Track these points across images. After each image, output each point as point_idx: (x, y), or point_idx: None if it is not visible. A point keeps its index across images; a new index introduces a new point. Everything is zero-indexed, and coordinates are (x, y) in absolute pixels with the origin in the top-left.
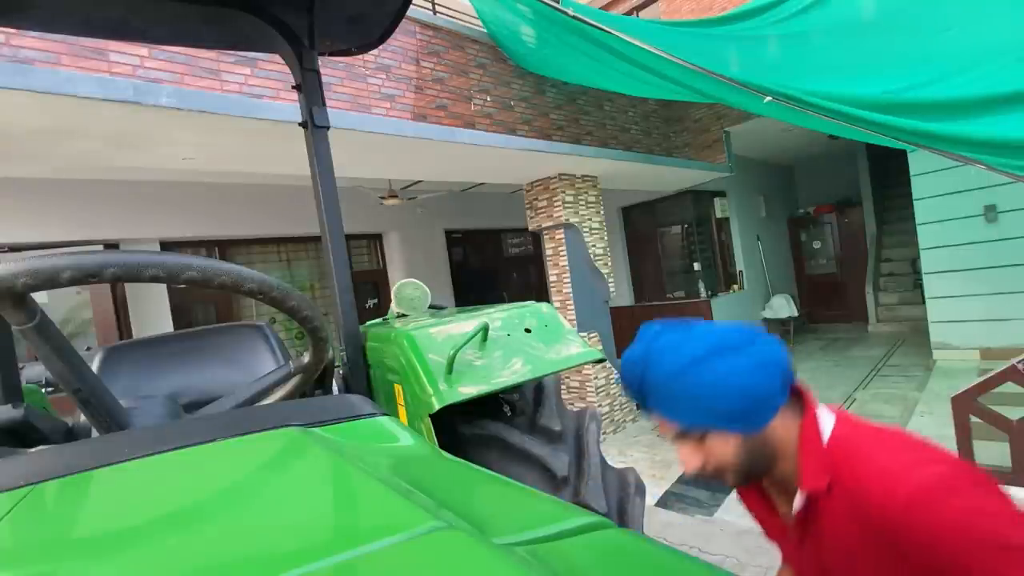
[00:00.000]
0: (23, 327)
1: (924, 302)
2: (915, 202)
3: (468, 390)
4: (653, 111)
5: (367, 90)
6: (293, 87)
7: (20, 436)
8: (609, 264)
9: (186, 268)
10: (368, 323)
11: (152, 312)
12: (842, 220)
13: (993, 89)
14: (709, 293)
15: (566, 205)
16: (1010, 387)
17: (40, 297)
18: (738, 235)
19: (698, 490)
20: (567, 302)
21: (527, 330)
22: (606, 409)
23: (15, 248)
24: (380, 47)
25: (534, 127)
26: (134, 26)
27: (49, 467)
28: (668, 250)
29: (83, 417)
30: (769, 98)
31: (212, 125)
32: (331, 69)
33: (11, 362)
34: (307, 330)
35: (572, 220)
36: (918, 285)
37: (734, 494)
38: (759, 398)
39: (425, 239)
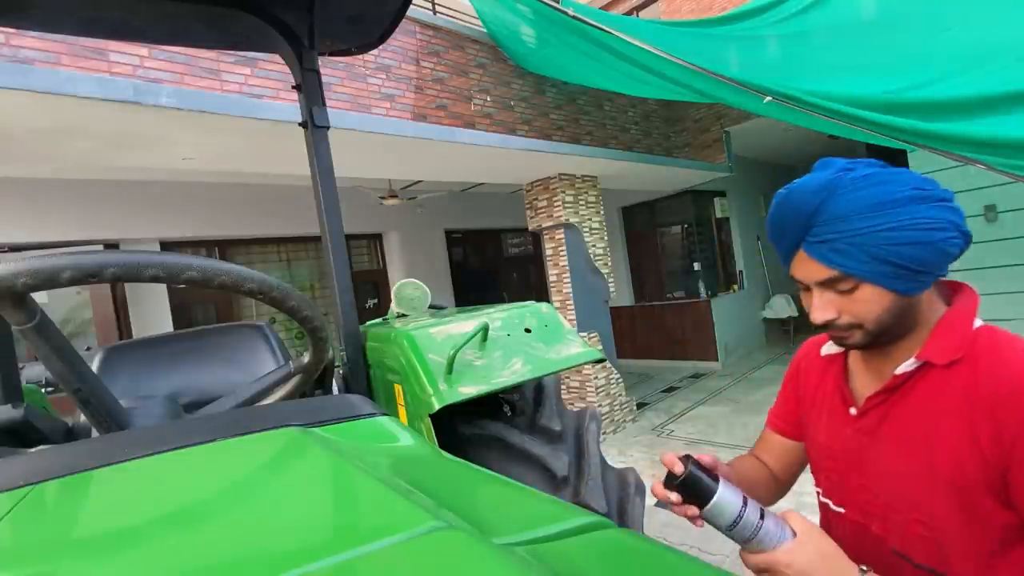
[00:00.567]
0: (23, 327)
1: None
2: None
3: (468, 390)
4: (653, 111)
5: (367, 90)
6: (293, 87)
7: (20, 436)
8: (609, 264)
9: (186, 268)
10: (368, 323)
11: (152, 312)
12: None
13: (993, 89)
14: (709, 293)
15: (566, 205)
16: None
17: (40, 297)
18: (738, 235)
19: None
20: (567, 302)
21: (527, 330)
22: (606, 409)
23: (15, 248)
24: (380, 47)
25: (534, 127)
26: (134, 26)
27: (49, 467)
28: (668, 250)
29: (83, 417)
30: (769, 98)
31: (212, 125)
32: (331, 69)
33: (11, 362)
34: (307, 330)
35: (572, 220)
36: None
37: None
38: (943, 258)
39: (425, 239)
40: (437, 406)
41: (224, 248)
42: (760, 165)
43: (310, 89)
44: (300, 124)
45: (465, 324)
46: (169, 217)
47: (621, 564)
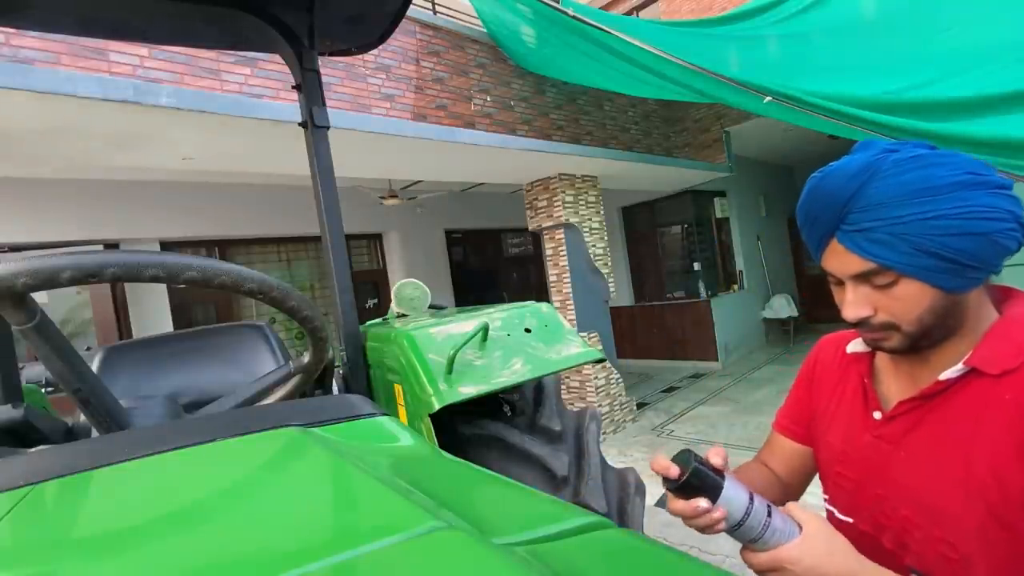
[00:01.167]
0: (23, 327)
1: None
2: None
3: (468, 390)
4: (653, 111)
5: (367, 90)
6: (293, 87)
7: (20, 436)
8: (609, 264)
9: (186, 268)
10: (368, 323)
11: (152, 312)
12: None
13: (993, 89)
14: (709, 293)
15: (566, 205)
16: None
17: (40, 297)
18: (738, 235)
19: None
20: (567, 302)
21: (527, 330)
22: (606, 409)
23: (15, 248)
24: (380, 47)
25: (534, 127)
26: (134, 26)
27: (49, 467)
28: (668, 250)
29: (83, 417)
30: (769, 98)
31: (212, 125)
32: (331, 69)
33: (11, 362)
34: (307, 330)
35: (572, 220)
36: None
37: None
38: (998, 251)
39: (425, 239)
40: (437, 406)
41: (224, 248)
42: (760, 165)
43: (310, 89)
44: (300, 124)
45: (465, 324)
46: (169, 217)
47: (621, 564)
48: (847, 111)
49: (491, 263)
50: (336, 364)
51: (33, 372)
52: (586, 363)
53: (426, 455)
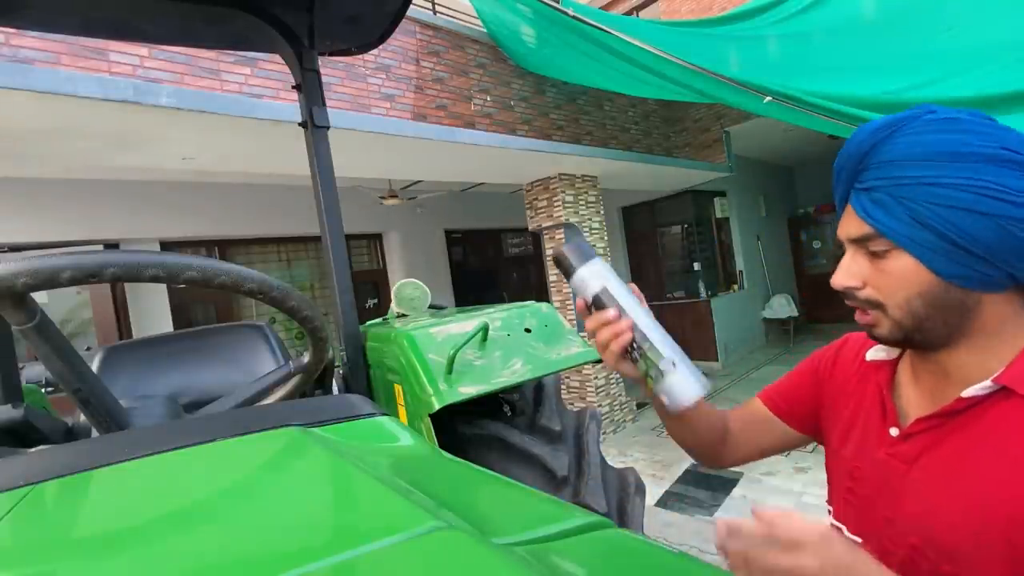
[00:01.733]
0: (23, 327)
1: None
2: None
3: (468, 390)
4: (653, 111)
5: (367, 90)
6: (293, 87)
7: (20, 436)
8: (609, 264)
9: (186, 268)
10: (368, 323)
11: (152, 312)
12: None
13: (993, 89)
14: (709, 293)
15: (566, 205)
16: None
17: (40, 297)
18: (738, 235)
19: (698, 490)
20: (567, 302)
21: (527, 330)
22: (606, 409)
23: (15, 248)
24: (380, 47)
25: (534, 127)
26: (134, 26)
27: (49, 467)
28: (668, 250)
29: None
30: (769, 98)
31: (212, 125)
32: (331, 69)
33: (11, 362)
34: (307, 330)
35: (572, 220)
36: None
37: (746, 484)
38: (1013, 247)
39: (425, 239)
40: (437, 406)
41: (224, 248)
42: (760, 165)
43: (310, 89)
44: (300, 124)
45: (465, 324)
46: (169, 217)
47: (621, 564)
48: (847, 111)
49: (491, 263)
50: (336, 364)
51: (33, 372)
52: (586, 363)
53: (426, 455)
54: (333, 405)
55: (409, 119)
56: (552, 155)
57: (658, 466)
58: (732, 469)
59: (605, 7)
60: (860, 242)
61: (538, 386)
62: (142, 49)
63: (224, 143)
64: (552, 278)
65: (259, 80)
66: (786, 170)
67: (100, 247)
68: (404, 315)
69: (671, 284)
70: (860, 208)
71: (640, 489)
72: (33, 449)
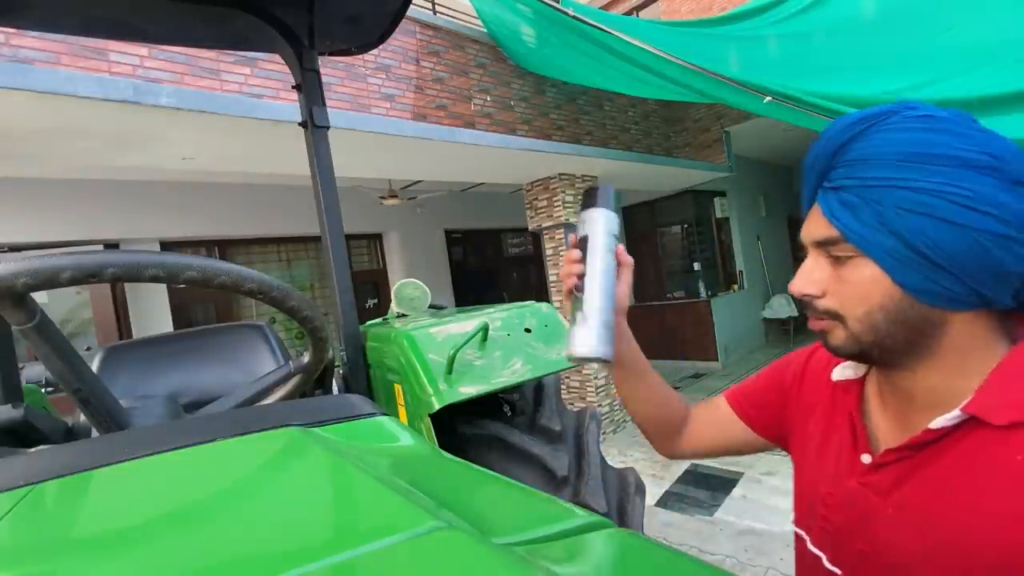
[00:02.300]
0: (23, 327)
1: None
2: None
3: (468, 390)
4: (653, 111)
5: (367, 90)
6: (293, 87)
7: (20, 436)
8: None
9: (186, 268)
10: (368, 323)
11: (152, 312)
12: None
13: (993, 89)
14: (709, 293)
15: (566, 205)
16: None
17: (40, 297)
18: (738, 235)
19: (698, 490)
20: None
21: (527, 330)
22: (606, 409)
23: (15, 248)
24: (380, 47)
25: (534, 127)
26: (134, 26)
27: (49, 467)
28: (668, 250)
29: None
30: (769, 98)
31: (212, 125)
32: (331, 69)
33: (11, 362)
34: (307, 330)
35: (572, 220)
36: None
37: (745, 484)
38: (987, 263)
39: (425, 239)
40: (437, 406)
41: (224, 248)
42: (760, 165)
43: (310, 89)
44: (300, 124)
45: (465, 324)
46: (169, 217)
47: (621, 564)
48: (847, 111)
49: (491, 263)
50: (336, 364)
51: (33, 372)
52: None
53: (426, 455)
54: (333, 405)
55: (409, 119)
56: (552, 155)
57: (658, 466)
58: (732, 469)
59: (605, 7)
60: (823, 245)
61: (538, 386)
62: (142, 49)
63: (224, 143)
64: (552, 278)
65: (259, 80)
66: (786, 170)
67: (100, 247)
68: (404, 315)
69: (671, 284)
70: (827, 209)
71: (640, 489)
72: (33, 449)
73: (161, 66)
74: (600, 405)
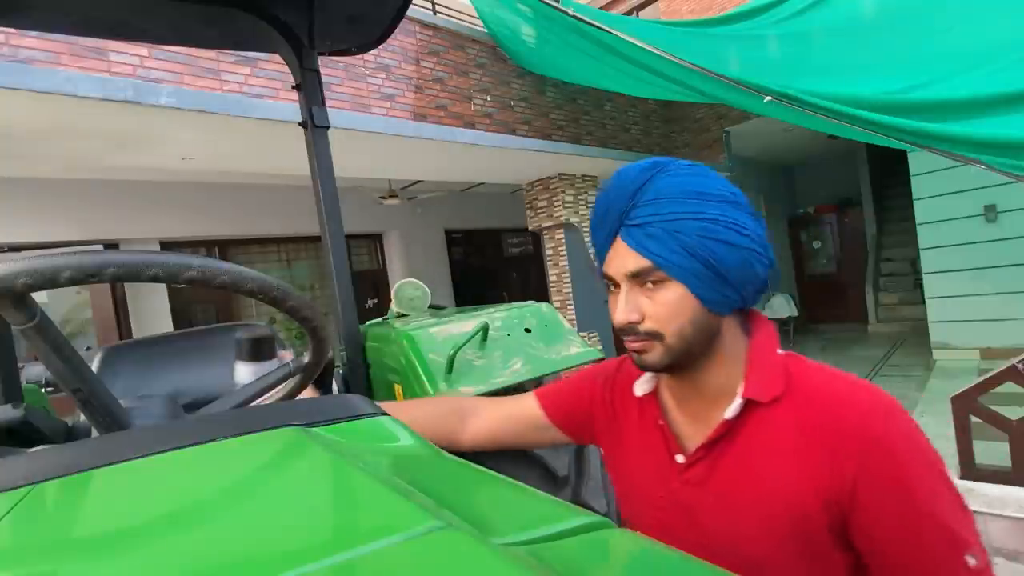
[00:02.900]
0: (23, 327)
1: (924, 302)
2: (915, 202)
3: (468, 390)
4: (653, 111)
5: (367, 90)
6: (293, 87)
7: (20, 436)
8: None
9: (186, 268)
10: (368, 323)
11: (152, 312)
12: (842, 220)
13: (993, 89)
14: None
15: (566, 205)
16: (1010, 387)
17: (40, 297)
18: None
19: None
20: (567, 302)
21: (527, 330)
22: None
23: (15, 248)
24: (380, 47)
25: (534, 127)
26: (134, 26)
27: (49, 467)
28: None
29: (83, 417)
30: (769, 98)
31: (212, 125)
32: (331, 69)
33: (11, 362)
34: (307, 330)
35: (572, 220)
36: (918, 285)
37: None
38: (750, 274)
39: (425, 239)
40: None
41: (224, 248)
42: (760, 165)
43: (310, 89)
44: (300, 124)
45: (465, 324)
46: (169, 217)
47: (621, 564)
48: (847, 111)
49: (491, 263)
50: (336, 364)
51: (33, 372)
52: (586, 363)
53: (426, 455)
54: (333, 405)
55: (409, 119)
56: (552, 155)
57: None
58: None
59: (605, 7)
60: (637, 276)
61: (538, 386)
62: (142, 49)
63: (224, 143)
64: (552, 278)
65: (259, 80)
66: (786, 170)
67: (100, 247)
68: (404, 315)
69: None
70: (635, 243)
71: None
72: (33, 449)
73: (161, 66)
74: None
